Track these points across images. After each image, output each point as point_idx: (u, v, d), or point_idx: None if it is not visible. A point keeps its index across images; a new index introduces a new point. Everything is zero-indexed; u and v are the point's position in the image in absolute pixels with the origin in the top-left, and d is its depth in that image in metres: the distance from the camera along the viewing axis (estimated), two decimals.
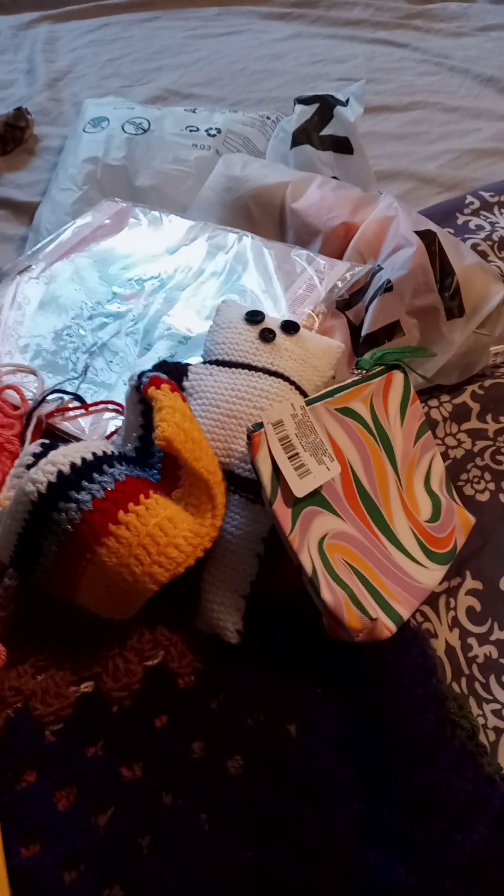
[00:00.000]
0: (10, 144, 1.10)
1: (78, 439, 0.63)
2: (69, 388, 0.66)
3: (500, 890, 0.45)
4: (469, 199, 0.95)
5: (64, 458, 0.49)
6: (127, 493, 0.48)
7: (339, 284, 0.71)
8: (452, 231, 0.89)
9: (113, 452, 0.52)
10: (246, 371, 0.58)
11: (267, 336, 0.60)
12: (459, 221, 0.93)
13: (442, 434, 0.71)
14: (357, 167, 0.94)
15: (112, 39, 1.40)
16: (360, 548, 0.53)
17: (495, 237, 0.89)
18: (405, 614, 0.52)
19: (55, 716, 0.50)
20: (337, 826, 0.47)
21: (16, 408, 0.65)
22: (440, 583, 0.58)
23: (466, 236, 0.90)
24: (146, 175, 0.93)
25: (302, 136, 0.93)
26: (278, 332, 0.61)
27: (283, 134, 0.96)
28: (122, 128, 0.99)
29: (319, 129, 0.94)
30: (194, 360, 0.64)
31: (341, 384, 0.57)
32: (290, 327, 0.61)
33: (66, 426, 0.64)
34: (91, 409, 0.65)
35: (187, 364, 0.59)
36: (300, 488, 0.50)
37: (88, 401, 0.65)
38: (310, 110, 0.95)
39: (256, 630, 0.53)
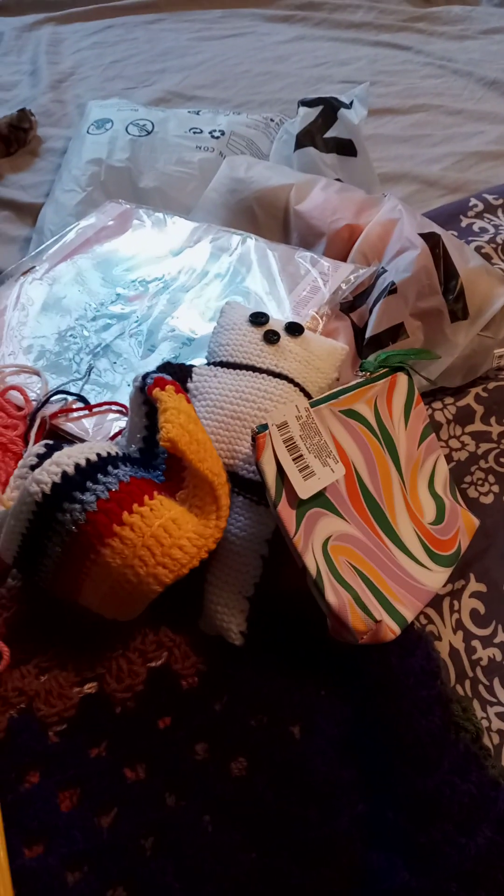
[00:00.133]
0: (13, 146, 1.10)
1: (82, 440, 0.63)
2: (73, 389, 0.66)
3: None
4: (473, 201, 0.95)
5: (68, 458, 0.49)
6: (131, 495, 0.48)
7: (344, 286, 0.71)
8: (456, 234, 0.89)
9: (117, 454, 0.52)
10: (250, 373, 0.58)
11: (271, 338, 0.60)
12: (463, 224, 0.93)
13: (446, 436, 0.71)
14: (361, 169, 0.94)
15: (116, 41, 1.40)
16: (364, 550, 0.53)
17: (499, 240, 0.88)
18: (409, 616, 0.52)
19: (58, 716, 0.50)
20: (340, 828, 0.47)
21: (19, 408, 0.65)
22: (444, 585, 0.58)
23: (470, 239, 0.90)
24: (150, 177, 0.94)
25: (306, 139, 0.93)
26: (282, 333, 0.61)
27: (286, 136, 0.97)
28: (126, 129, 0.99)
29: (323, 132, 0.94)
30: (198, 361, 0.64)
31: (345, 386, 0.57)
32: (294, 329, 0.61)
33: (70, 427, 0.64)
34: (95, 410, 0.65)
35: (191, 365, 0.59)
36: (304, 490, 0.50)
37: (92, 402, 0.66)
38: (313, 112, 0.95)
39: (260, 632, 0.52)
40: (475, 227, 0.92)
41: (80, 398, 0.65)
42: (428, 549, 0.57)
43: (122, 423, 0.63)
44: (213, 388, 0.57)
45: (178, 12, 1.49)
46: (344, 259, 0.76)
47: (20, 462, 0.54)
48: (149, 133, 0.99)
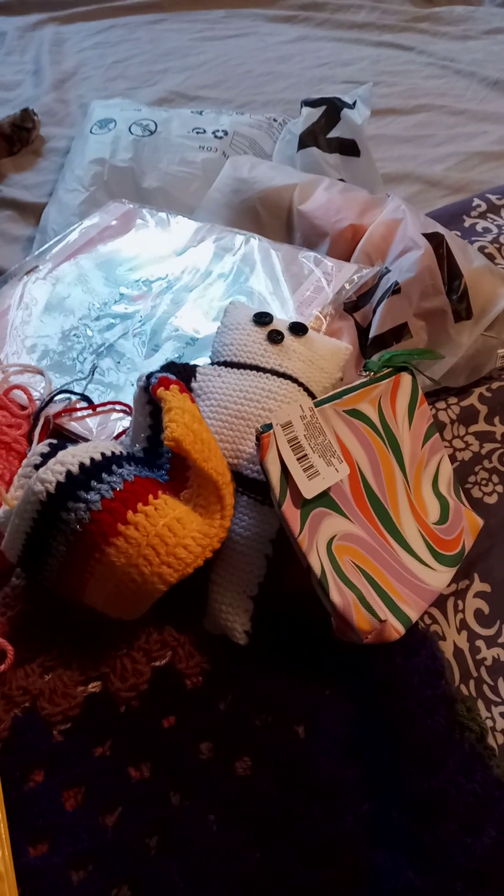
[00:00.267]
0: (16, 145, 1.10)
1: (85, 440, 0.63)
2: (76, 389, 0.66)
3: None
4: (476, 201, 0.95)
5: (73, 457, 0.49)
6: (136, 493, 0.48)
7: (347, 286, 0.71)
8: (459, 234, 0.89)
9: (122, 453, 0.52)
10: (254, 372, 0.58)
11: (275, 337, 0.60)
12: (466, 224, 0.93)
13: (449, 436, 0.71)
14: (364, 170, 0.94)
15: (118, 41, 1.40)
16: (369, 549, 0.53)
17: (502, 240, 0.88)
18: (413, 616, 0.52)
19: (63, 715, 0.50)
20: (345, 827, 0.47)
21: (23, 408, 0.65)
22: (448, 585, 0.58)
23: (473, 239, 0.90)
24: (153, 177, 0.94)
25: (309, 139, 0.94)
26: (286, 333, 0.61)
27: (289, 136, 0.97)
28: (129, 129, 0.99)
29: (326, 132, 0.94)
30: (202, 361, 0.64)
31: (349, 386, 0.57)
32: (298, 329, 0.61)
33: (74, 426, 0.64)
34: (98, 409, 0.65)
35: (195, 365, 0.59)
36: (309, 490, 0.50)
37: (95, 401, 0.66)
38: (317, 113, 0.95)
39: (264, 631, 0.52)
40: (478, 228, 0.92)
41: (84, 398, 0.65)
42: (432, 549, 0.57)
43: (125, 422, 0.63)
44: (218, 387, 0.57)
45: (180, 12, 1.50)
46: (347, 259, 0.76)
47: (24, 461, 0.54)
48: (152, 133, 0.99)
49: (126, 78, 1.30)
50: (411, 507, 0.58)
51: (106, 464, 0.49)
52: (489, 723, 0.56)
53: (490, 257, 0.86)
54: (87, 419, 0.64)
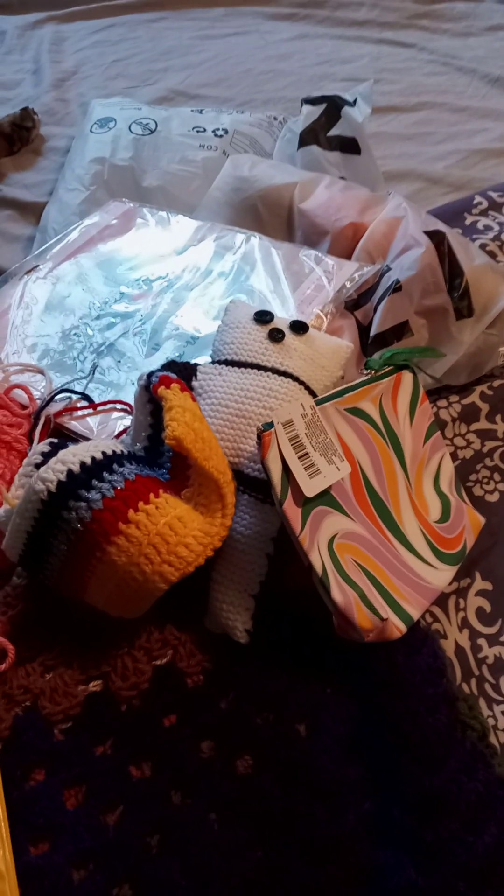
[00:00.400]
0: (16, 144, 1.10)
1: (86, 439, 0.63)
2: (77, 388, 0.66)
3: None
4: (477, 199, 0.95)
5: (74, 456, 0.49)
6: (137, 492, 0.48)
7: (348, 284, 0.71)
8: (460, 231, 0.89)
9: (123, 451, 0.52)
10: (255, 371, 0.58)
11: (276, 336, 0.60)
12: (467, 222, 0.93)
13: (451, 434, 0.71)
14: (365, 168, 0.94)
15: (118, 40, 1.40)
16: (370, 548, 0.53)
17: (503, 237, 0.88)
18: (415, 614, 0.51)
19: (64, 714, 0.50)
20: (347, 826, 0.47)
21: (24, 407, 0.65)
22: (450, 583, 0.58)
23: (474, 236, 0.89)
24: (153, 175, 0.93)
25: (309, 137, 0.93)
26: (287, 332, 0.60)
27: (290, 134, 0.96)
28: (129, 128, 0.99)
29: (327, 130, 0.94)
30: (202, 360, 0.64)
31: (350, 384, 0.57)
32: (299, 327, 0.61)
33: (75, 426, 0.64)
34: (99, 408, 0.65)
35: (196, 364, 0.59)
36: (310, 488, 0.50)
37: (96, 400, 0.65)
38: (317, 111, 0.95)
39: (266, 630, 0.52)
40: (479, 225, 0.92)
41: (85, 397, 0.65)
42: (433, 548, 0.57)
43: (126, 421, 0.63)
44: (218, 386, 0.57)
45: (180, 11, 1.49)
46: (348, 257, 0.76)
47: (25, 460, 0.54)
48: (152, 132, 0.99)
49: (126, 77, 1.30)
50: (413, 505, 0.58)
51: (107, 462, 0.49)
52: (491, 721, 0.56)
53: (491, 255, 0.85)
54: (88, 418, 0.64)
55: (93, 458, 0.49)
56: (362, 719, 0.50)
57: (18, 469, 0.56)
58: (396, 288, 0.70)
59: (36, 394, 0.66)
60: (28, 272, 0.78)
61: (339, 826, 0.47)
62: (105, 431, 0.63)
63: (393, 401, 0.60)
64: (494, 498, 0.69)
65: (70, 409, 0.64)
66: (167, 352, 0.69)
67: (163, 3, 1.50)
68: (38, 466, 0.52)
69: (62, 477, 0.48)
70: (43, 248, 0.82)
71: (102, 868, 0.45)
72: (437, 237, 0.72)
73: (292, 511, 0.49)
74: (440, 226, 0.75)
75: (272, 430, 0.49)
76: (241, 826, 0.47)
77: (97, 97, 1.15)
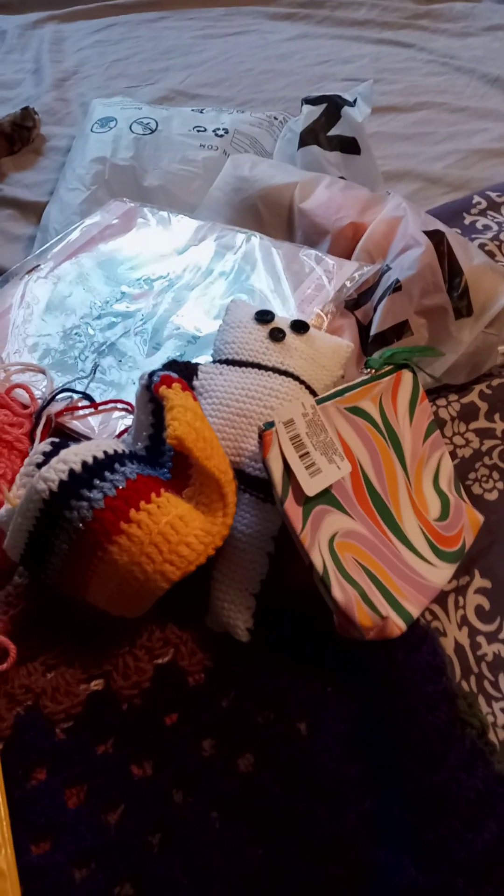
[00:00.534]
0: (17, 144, 1.10)
1: (87, 438, 0.63)
2: (78, 388, 0.66)
3: None
4: (476, 199, 0.95)
5: (75, 456, 0.49)
6: (138, 492, 0.48)
7: (348, 284, 0.71)
8: (459, 231, 0.89)
9: (124, 451, 0.52)
10: (256, 370, 0.58)
11: (277, 335, 0.60)
12: (466, 221, 0.93)
13: (450, 433, 0.71)
14: (364, 167, 0.94)
15: (119, 39, 1.40)
16: (370, 546, 0.53)
17: (502, 237, 0.88)
18: (415, 612, 0.52)
19: (65, 713, 0.50)
20: (347, 824, 0.47)
21: (25, 406, 0.65)
22: (449, 581, 0.58)
23: (473, 236, 0.90)
24: (154, 175, 0.94)
25: (309, 137, 0.93)
26: (288, 331, 0.61)
27: (290, 134, 0.97)
28: (130, 128, 0.99)
29: (327, 130, 0.94)
30: (203, 359, 0.64)
31: (351, 383, 0.57)
32: (299, 327, 0.61)
33: (76, 425, 0.64)
34: (100, 408, 0.65)
35: (197, 363, 0.59)
36: (311, 487, 0.50)
37: (97, 400, 0.66)
38: (317, 111, 0.95)
39: (266, 628, 0.53)
40: (478, 225, 0.92)
41: (86, 396, 0.65)
42: (433, 546, 0.57)
43: (127, 421, 0.63)
44: (219, 385, 0.57)
45: (180, 10, 1.49)
46: (348, 257, 0.76)
47: (26, 460, 0.54)
48: (153, 131, 0.99)
49: (127, 76, 1.30)
50: (412, 503, 0.58)
51: (108, 462, 0.49)
52: (490, 718, 0.56)
53: (490, 255, 0.86)
54: (89, 418, 0.64)
55: (94, 458, 0.49)
56: (363, 717, 0.51)
57: (20, 468, 0.56)
58: (396, 287, 0.70)
59: (37, 393, 0.66)
60: (29, 272, 0.78)
61: (339, 824, 0.47)
62: (106, 431, 0.63)
63: (393, 400, 0.60)
64: (493, 496, 0.69)
65: (71, 409, 0.64)
66: (168, 351, 0.69)
67: (163, 2, 1.50)
68: (39, 466, 0.52)
69: (64, 476, 0.48)
70: (44, 247, 0.82)
71: (104, 867, 0.45)
72: (436, 237, 0.73)
73: (293, 510, 0.49)
74: (439, 226, 0.75)
75: (273, 429, 0.50)
76: (243, 824, 0.47)
77: (98, 97, 1.15)
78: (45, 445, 0.54)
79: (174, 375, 0.53)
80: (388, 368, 0.60)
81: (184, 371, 0.57)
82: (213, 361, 0.60)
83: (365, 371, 0.60)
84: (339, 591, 0.48)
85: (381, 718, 0.50)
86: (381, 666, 0.51)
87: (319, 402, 0.54)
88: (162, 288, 0.75)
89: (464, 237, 0.80)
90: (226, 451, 0.53)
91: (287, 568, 0.52)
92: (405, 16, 1.50)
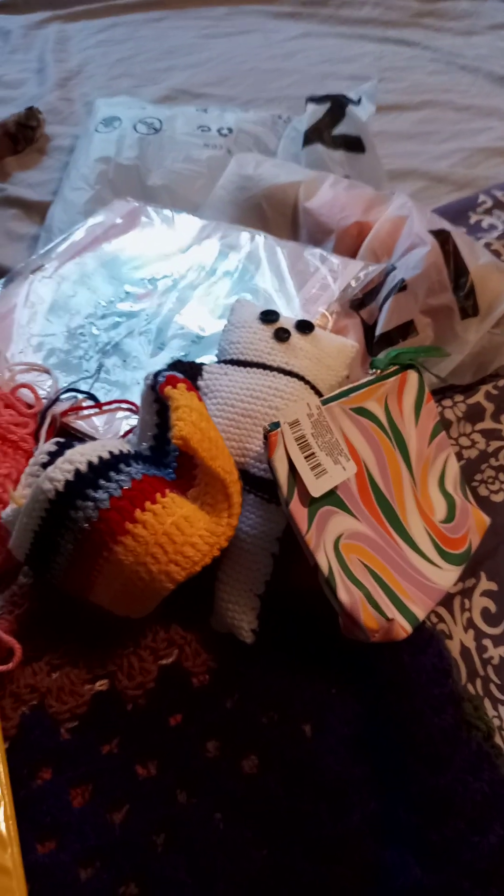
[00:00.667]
0: (21, 143, 1.10)
1: (92, 438, 0.63)
2: (83, 387, 0.66)
3: None
4: (482, 198, 0.95)
5: (81, 456, 0.49)
6: (144, 492, 0.48)
7: (353, 283, 0.71)
8: (465, 230, 0.89)
9: (129, 451, 0.52)
10: (261, 370, 0.58)
11: (282, 336, 0.60)
12: (472, 220, 0.93)
13: (456, 434, 0.71)
14: (369, 166, 0.94)
15: (122, 39, 1.40)
16: (376, 548, 0.53)
17: None
18: (421, 615, 0.51)
19: (70, 713, 0.50)
20: (352, 826, 0.47)
21: (30, 406, 0.65)
22: (455, 584, 0.58)
23: (479, 235, 0.89)
24: (158, 175, 0.93)
25: (314, 136, 0.93)
26: (293, 331, 0.61)
27: (294, 133, 0.97)
28: (134, 127, 0.99)
29: (331, 129, 0.94)
30: (207, 359, 0.64)
31: (356, 384, 0.57)
32: (304, 327, 0.61)
33: (81, 425, 0.64)
34: (105, 408, 0.65)
35: (202, 363, 0.59)
36: (316, 488, 0.50)
37: (102, 400, 0.66)
38: (321, 109, 0.95)
39: (271, 629, 0.52)
40: (484, 224, 0.92)
41: (91, 396, 0.65)
42: (439, 548, 0.57)
43: (132, 421, 0.63)
44: (224, 385, 0.57)
45: (184, 10, 1.49)
46: (353, 256, 0.76)
47: (31, 460, 0.54)
48: (157, 131, 0.99)
49: (130, 76, 1.30)
50: (418, 505, 0.58)
51: (114, 462, 0.49)
52: (496, 721, 0.56)
53: (496, 254, 0.85)
54: (94, 418, 0.64)
55: (100, 458, 0.49)
56: (368, 719, 0.50)
57: (25, 468, 0.56)
58: (402, 287, 0.70)
59: (42, 393, 0.66)
60: (33, 271, 0.78)
61: (344, 826, 0.47)
62: (110, 431, 0.63)
63: (398, 400, 0.60)
64: (499, 498, 0.69)
65: (76, 409, 0.64)
66: (172, 351, 0.69)
67: (166, 2, 1.50)
68: (44, 466, 0.52)
69: (70, 476, 0.48)
70: (48, 247, 0.82)
71: (109, 866, 0.45)
72: (442, 236, 0.72)
73: (298, 511, 0.49)
74: (445, 225, 0.75)
75: (278, 429, 0.50)
76: (247, 825, 0.47)
77: (101, 96, 1.15)
78: (50, 445, 0.54)
79: (179, 375, 0.53)
80: (393, 369, 0.60)
81: (188, 371, 0.57)
82: (218, 361, 0.60)
83: (370, 371, 0.60)
84: (345, 592, 0.48)
85: (386, 720, 0.50)
86: (387, 668, 0.51)
87: (325, 402, 0.54)
88: (166, 287, 0.75)
89: (469, 236, 0.79)
90: (230, 451, 0.53)
91: (292, 569, 0.52)
92: (409, 14, 1.50)
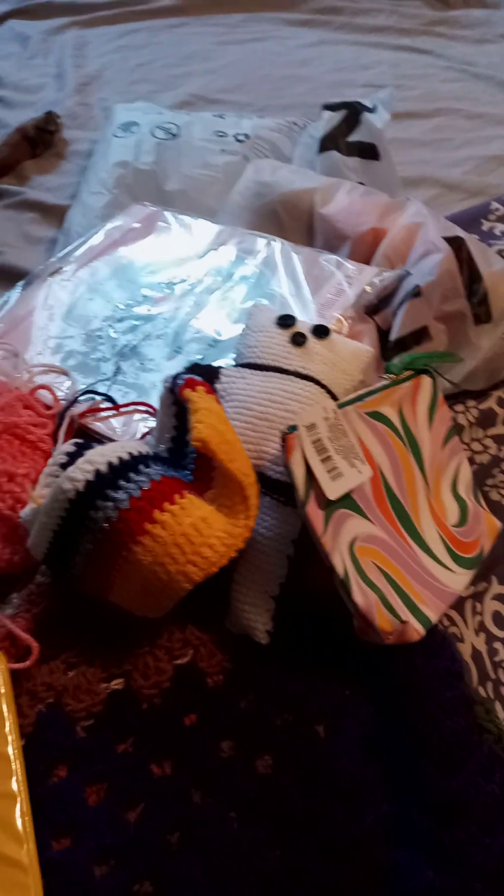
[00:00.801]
0: (39, 147, 1.11)
1: (110, 439, 0.63)
2: (101, 390, 0.67)
3: None
4: (494, 205, 0.95)
5: (101, 457, 0.50)
6: (163, 493, 0.49)
7: (368, 289, 0.71)
8: (478, 237, 0.89)
9: (148, 453, 0.53)
10: (278, 374, 0.58)
11: (298, 340, 0.60)
12: (485, 227, 0.93)
13: (468, 439, 0.71)
14: (384, 173, 0.94)
15: (140, 45, 1.41)
16: (389, 551, 0.53)
17: None
18: (433, 617, 0.52)
19: (86, 712, 0.51)
20: (365, 827, 0.47)
21: (48, 407, 0.66)
22: (466, 587, 0.58)
23: (491, 242, 0.90)
24: (175, 180, 0.94)
25: (329, 143, 0.94)
26: (309, 336, 0.61)
27: (310, 140, 0.97)
28: (152, 133, 1.00)
29: (346, 136, 0.95)
30: (224, 363, 0.65)
31: (371, 388, 0.58)
32: (321, 331, 0.62)
33: (98, 426, 0.64)
34: (122, 410, 0.66)
35: (219, 367, 0.60)
36: (333, 491, 0.50)
37: (119, 402, 0.66)
38: (337, 117, 0.96)
39: (286, 631, 0.53)
40: (497, 231, 0.92)
41: (108, 398, 0.66)
42: (451, 551, 0.57)
43: (149, 423, 0.64)
44: (241, 389, 0.58)
45: (201, 16, 1.50)
46: (368, 262, 0.76)
47: (50, 460, 0.55)
48: (174, 136, 1.00)
49: (148, 81, 1.31)
50: (431, 509, 0.59)
51: (133, 463, 0.50)
52: None
53: None
54: (111, 419, 0.65)
55: (120, 459, 0.50)
56: (381, 721, 0.51)
57: (43, 468, 0.57)
58: (416, 293, 0.70)
59: (60, 395, 0.67)
60: (52, 274, 0.79)
61: (357, 827, 0.47)
62: (128, 433, 0.64)
63: (412, 405, 0.60)
64: None
65: (94, 410, 0.65)
66: (189, 355, 0.69)
67: (184, 8, 1.51)
68: (63, 466, 0.53)
69: (90, 477, 0.49)
70: (67, 250, 0.83)
71: (123, 865, 0.46)
72: (456, 243, 0.73)
73: (315, 513, 0.49)
74: (459, 232, 0.75)
75: (296, 432, 0.50)
76: (261, 825, 0.48)
77: (119, 101, 1.16)
78: (68, 446, 0.54)
79: (198, 378, 0.53)
80: (407, 374, 0.60)
81: (206, 374, 0.58)
82: (235, 365, 0.61)
83: (385, 376, 0.60)
84: (360, 594, 0.49)
85: (399, 722, 0.50)
86: (400, 670, 0.51)
87: (340, 406, 0.54)
88: (183, 292, 0.76)
89: (483, 243, 0.80)
90: (247, 453, 0.54)
91: (307, 571, 0.52)
92: (423, 22, 1.51)
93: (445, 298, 0.71)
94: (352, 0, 1.53)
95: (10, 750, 0.47)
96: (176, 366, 0.68)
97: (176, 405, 0.55)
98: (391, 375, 0.60)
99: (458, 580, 0.56)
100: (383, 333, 0.72)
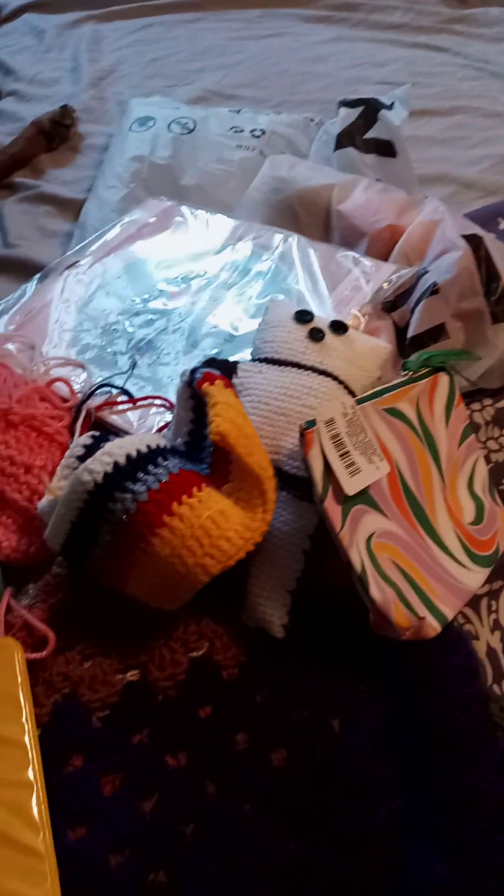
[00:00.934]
0: (55, 141, 1.11)
1: (126, 432, 0.64)
2: (117, 383, 0.67)
3: None
4: None
5: (120, 449, 0.50)
6: (181, 486, 0.49)
7: (386, 286, 0.71)
8: (495, 236, 0.89)
9: (166, 446, 0.53)
10: (295, 369, 0.58)
11: (316, 335, 0.60)
12: (501, 226, 0.93)
13: (484, 437, 0.71)
14: (400, 170, 0.94)
15: (156, 39, 1.41)
16: (406, 547, 0.53)
17: None
18: (449, 614, 0.52)
19: (102, 702, 0.51)
20: (378, 822, 0.47)
21: (65, 400, 0.66)
22: (482, 585, 0.58)
23: None
24: (191, 174, 0.94)
25: (346, 139, 0.94)
26: (327, 331, 0.61)
27: (326, 136, 0.97)
28: (168, 127, 1.00)
29: (363, 132, 0.94)
30: (240, 357, 0.65)
31: (389, 385, 0.58)
32: (338, 327, 0.62)
33: (115, 419, 0.64)
34: (138, 403, 0.66)
35: (236, 361, 0.60)
36: (351, 486, 0.50)
37: (135, 395, 0.66)
38: (354, 113, 0.95)
39: (302, 625, 0.53)
40: None
41: (124, 391, 0.66)
42: (467, 549, 0.57)
43: (166, 417, 0.64)
44: (258, 384, 0.58)
45: (217, 11, 1.50)
46: (385, 259, 0.76)
47: (68, 452, 0.55)
48: (190, 131, 1.00)
49: (163, 76, 1.31)
50: (447, 506, 0.59)
51: (152, 456, 0.50)
52: None
53: None
54: (128, 413, 0.65)
55: (138, 452, 0.50)
56: (396, 717, 0.51)
57: (60, 460, 0.57)
58: (434, 291, 0.70)
59: (76, 387, 0.67)
60: (68, 267, 0.79)
61: (370, 821, 0.47)
62: (144, 426, 0.64)
63: (429, 402, 0.60)
64: None
65: (110, 404, 0.65)
66: (205, 349, 0.70)
67: (200, 3, 1.51)
68: (81, 458, 0.53)
69: (109, 469, 0.49)
70: (83, 244, 0.83)
71: (138, 854, 0.46)
72: (474, 241, 0.73)
73: (333, 508, 0.50)
74: (477, 230, 0.75)
75: (315, 427, 0.50)
76: (275, 818, 0.48)
77: (134, 96, 1.16)
78: (85, 438, 0.55)
79: (216, 372, 0.54)
80: (424, 371, 0.60)
81: (223, 369, 0.58)
82: (252, 360, 0.61)
83: (402, 373, 0.60)
84: (377, 590, 0.49)
85: (414, 718, 0.50)
86: (416, 666, 0.51)
87: (358, 402, 0.54)
88: (199, 287, 0.76)
89: (500, 242, 0.80)
90: (265, 448, 0.54)
91: (325, 566, 0.52)
92: (440, 20, 1.50)
93: (463, 296, 0.71)
94: None
95: (26, 739, 0.47)
96: (192, 360, 0.68)
97: (193, 399, 0.55)
98: (408, 372, 0.60)
99: (473, 578, 0.56)
100: (400, 330, 0.72)
